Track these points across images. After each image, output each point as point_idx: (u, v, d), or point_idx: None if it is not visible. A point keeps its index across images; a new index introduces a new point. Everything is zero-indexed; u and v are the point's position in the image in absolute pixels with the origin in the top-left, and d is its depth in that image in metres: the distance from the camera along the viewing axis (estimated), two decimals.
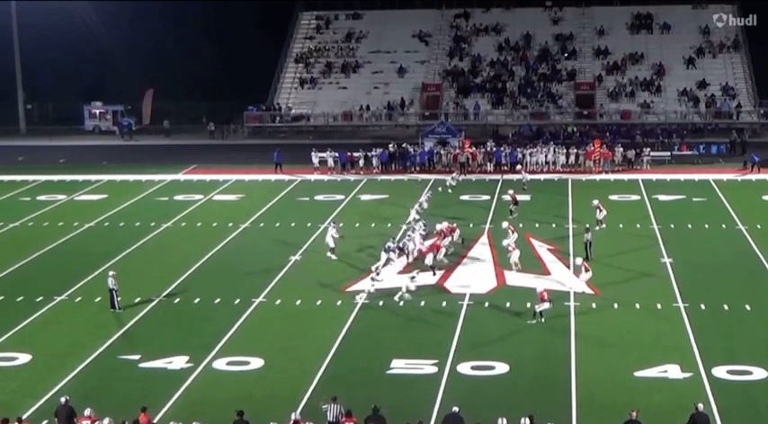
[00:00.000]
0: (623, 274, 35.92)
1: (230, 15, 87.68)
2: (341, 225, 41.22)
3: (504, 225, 39.72)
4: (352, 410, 22.57)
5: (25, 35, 79.72)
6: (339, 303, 33.28)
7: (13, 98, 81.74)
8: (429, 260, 36.17)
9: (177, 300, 34.08)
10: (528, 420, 21.85)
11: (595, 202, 42.61)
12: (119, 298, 32.86)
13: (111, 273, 33.45)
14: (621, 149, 57.99)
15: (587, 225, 39.43)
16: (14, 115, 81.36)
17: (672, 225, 42.86)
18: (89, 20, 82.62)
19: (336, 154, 57.86)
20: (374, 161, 57.79)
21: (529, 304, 32.40)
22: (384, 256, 36.80)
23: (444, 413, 23.09)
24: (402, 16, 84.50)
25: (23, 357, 28.92)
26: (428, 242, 38.48)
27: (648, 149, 58.79)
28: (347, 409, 22.63)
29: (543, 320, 30.70)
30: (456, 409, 22.74)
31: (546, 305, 30.92)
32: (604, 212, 42.00)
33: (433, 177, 55.68)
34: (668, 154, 60.87)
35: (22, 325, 31.76)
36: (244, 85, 79.24)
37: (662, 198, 48.61)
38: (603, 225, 41.70)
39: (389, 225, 40.67)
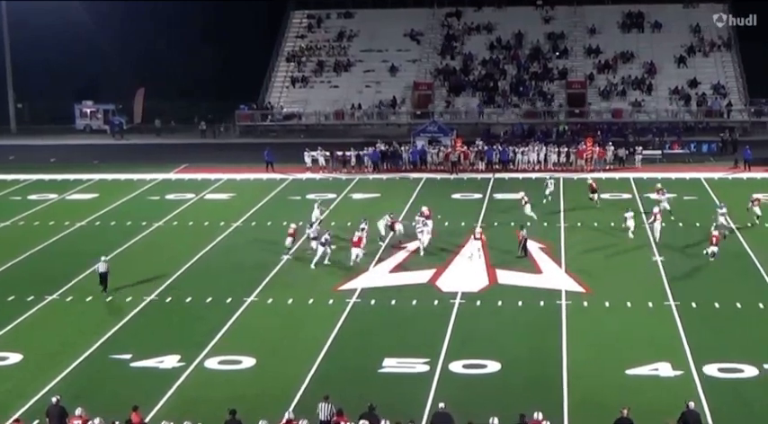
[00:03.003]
0: (614, 273, 36.02)
1: (221, 14, 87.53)
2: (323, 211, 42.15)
3: (521, 197, 43.91)
4: (343, 409, 22.56)
5: (16, 34, 79.49)
6: (331, 302, 33.27)
7: (4, 97, 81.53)
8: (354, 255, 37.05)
9: (169, 299, 34.03)
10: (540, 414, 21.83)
11: (755, 196, 44.14)
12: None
13: (103, 258, 34.81)
14: (613, 148, 58.12)
15: (525, 224, 40.49)
16: (5, 114, 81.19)
17: (662, 224, 42.90)
18: (80, 19, 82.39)
19: (328, 153, 57.91)
20: (365, 159, 57.82)
21: (521, 303, 32.49)
22: (320, 249, 37.32)
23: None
24: (394, 15, 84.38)
25: (14, 357, 28.83)
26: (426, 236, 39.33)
27: (641, 147, 58.94)
28: (338, 408, 22.61)
29: (712, 259, 35.81)
30: (442, 405, 22.77)
31: (715, 248, 35.65)
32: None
33: (424, 176, 55.74)
34: (659, 152, 61.02)
35: (13, 325, 31.69)
36: (235, 84, 79.10)
37: (653, 196, 48.62)
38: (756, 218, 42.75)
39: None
